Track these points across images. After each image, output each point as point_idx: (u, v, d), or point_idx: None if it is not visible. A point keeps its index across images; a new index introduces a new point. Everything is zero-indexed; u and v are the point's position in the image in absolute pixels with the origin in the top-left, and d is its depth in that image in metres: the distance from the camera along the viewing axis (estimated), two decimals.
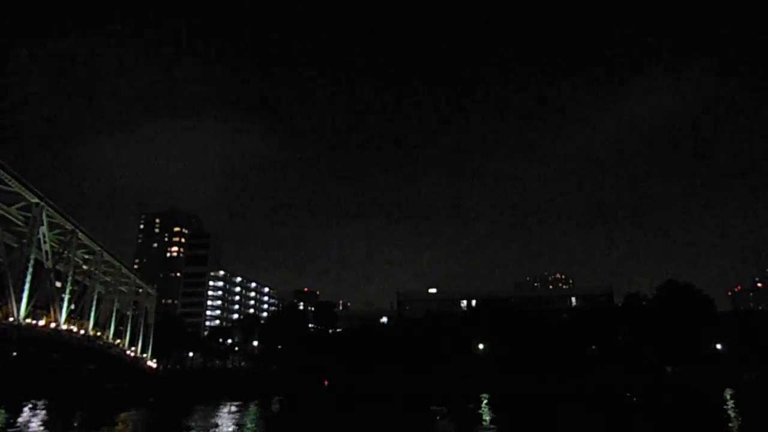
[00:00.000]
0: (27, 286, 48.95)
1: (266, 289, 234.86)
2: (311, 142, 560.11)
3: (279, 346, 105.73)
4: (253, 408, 64.24)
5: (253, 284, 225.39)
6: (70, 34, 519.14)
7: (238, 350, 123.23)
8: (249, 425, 50.60)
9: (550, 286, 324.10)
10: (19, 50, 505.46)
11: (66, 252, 59.50)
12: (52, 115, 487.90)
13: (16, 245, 52.21)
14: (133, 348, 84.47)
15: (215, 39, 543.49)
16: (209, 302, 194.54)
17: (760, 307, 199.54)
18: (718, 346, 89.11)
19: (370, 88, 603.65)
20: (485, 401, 67.28)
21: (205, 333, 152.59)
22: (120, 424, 51.27)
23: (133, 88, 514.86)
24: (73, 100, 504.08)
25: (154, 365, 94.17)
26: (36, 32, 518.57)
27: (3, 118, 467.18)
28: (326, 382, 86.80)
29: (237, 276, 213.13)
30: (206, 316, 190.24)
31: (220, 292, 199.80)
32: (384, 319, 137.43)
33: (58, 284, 58.26)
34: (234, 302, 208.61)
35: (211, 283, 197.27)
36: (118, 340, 78.20)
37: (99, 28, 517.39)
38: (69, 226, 59.53)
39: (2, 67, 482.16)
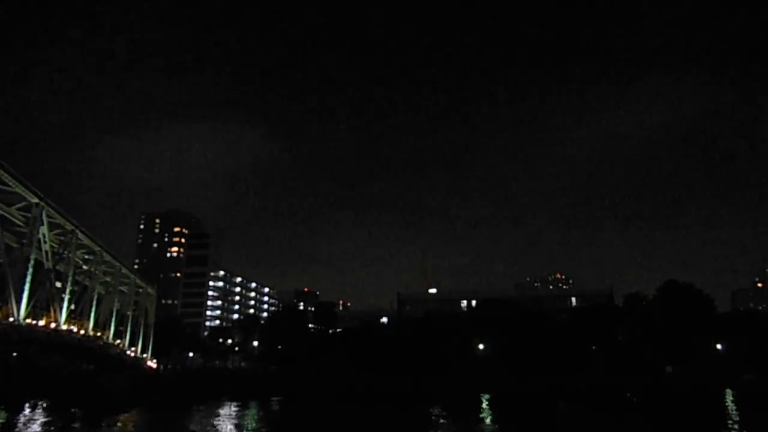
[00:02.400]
0: (27, 286, 48.93)
1: (266, 289, 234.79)
2: (311, 143, 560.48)
3: (279, 346, 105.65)
4: (253, 408, 64.25)
5: (253, 284, 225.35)
6: (79, 40, 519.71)
7: (238, 350, 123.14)
8: (249, 425, 50.62)
9: (550, 286, 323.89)
10: (30, 55, 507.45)
11: (66, 252, 59.49)
12: (58, 117, 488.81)
13: (16, 245, 52.21)
14: (133, 348, 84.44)
15: (218, 44, 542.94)
16: (209, 302, 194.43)
17: (760, 307, 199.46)
18: (718, 346, 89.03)
19: (371, 90, 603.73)
20: (485, 401, 67.29)
21: (205, 333, 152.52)
22: (120, 424, 51.28)
23: (138, 92, 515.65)
24: (80, 103, 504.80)
25: (154, 365, 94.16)
26: (46, 38, 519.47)
27: (12, 119, 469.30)
28: (326, 382, 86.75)
29: (237, 276, 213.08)
30: (206, 316, 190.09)
31: (220, 292, 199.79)
32: (384, 319, 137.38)
33: (58, 284, 58.22)
34: (234, 302, 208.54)
35: (211, 283, 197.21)
36: (118, 340, 78.15)
37: (106, 34, 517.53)
38: (69, 226, 59.51)
39: (13, 70, 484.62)
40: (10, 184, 47.80)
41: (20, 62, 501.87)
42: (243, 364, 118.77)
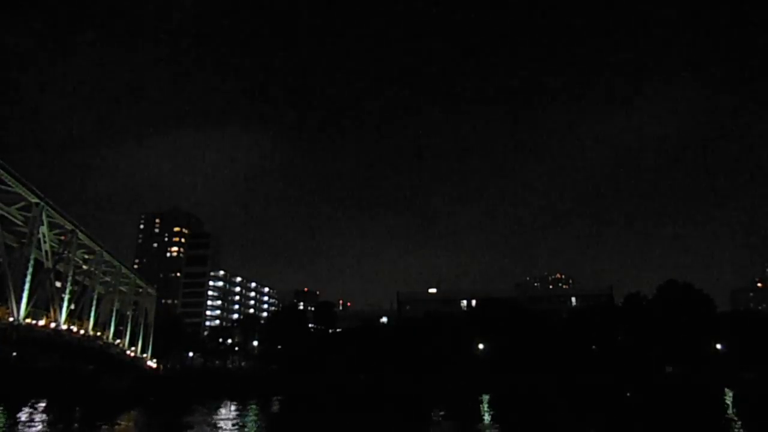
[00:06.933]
0: (27, 286, 48.93)
1: (266, 289, 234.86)
2: (312, 144, 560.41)
3: (279, 346, 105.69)
4: (253, 408, 64.24)
5: (253, 284, 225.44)
6: (93, 46, 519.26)
7: (238, 350, 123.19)
8: (249, 425, 50.61)
9: (550, 286, 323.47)
10: (41, 59, 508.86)
11: (66, 252, 59.49)
12: (67, 120, 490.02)
13: (16, 245, 52.20)
14: (133, 348, 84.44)
15: (225, 50, 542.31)
16: (209, 302, 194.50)
17: (760, 307, 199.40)
18: (718, 346, 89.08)
19: (372, 93, 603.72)
20: (485, 401, 67.31)
21: (205, 333, 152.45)
22: (120, 424, 51.29)
23: (147, 98, 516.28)
24: (90, 107, 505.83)
25: (154, 365, 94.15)
26: (62, 45, 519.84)
27: (22, 122, 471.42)
28: (325, 382, 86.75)
29: (237, 276, 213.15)
30: (206, 316, 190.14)
31: (220, 292, 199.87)
32: (384, 319, 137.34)
33: (58, 284, 58.25)
34: (234, 302, 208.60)
35: (211, 283, 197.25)
36: (118, 340, 78.18)
37: (119, 40, 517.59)
38: (69, 226, 59.52)
39: (25, 74, 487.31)
40: (10, 184, 47.81)
41: (32, 65, 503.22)
42: (243, 364, 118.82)
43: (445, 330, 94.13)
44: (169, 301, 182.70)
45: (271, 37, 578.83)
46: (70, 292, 60.03)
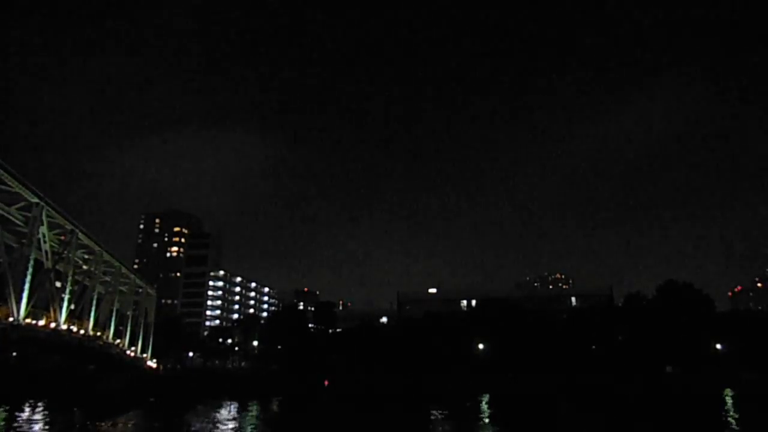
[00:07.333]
0: (27, 286, 48.92)
1: (266, 289, 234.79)
2: (312, 144, 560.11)
3: (279, 346, 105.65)
4: (253, 408, 64.22)
5: (253, 284, 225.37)
6: (94, 46, 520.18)
7: (238, 350, 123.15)
8: (249, 425, 50.59)
9: (550, 286, 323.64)
10: (48, 62, 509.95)
11: (66, 252, 59.47)
12: (70, 125, 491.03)
13: (16, 245, 52.19)
14: (133, 348, 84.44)
15: (228, 53, 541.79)
16: (209, 302, 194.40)
17: (760, 307, 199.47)
18: (718, 346, 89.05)
19: (372, 94, 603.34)
20: (485, 401, 67.28)
21: (205, 333, 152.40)
22: (120, 424, 51.27)
23: (147, 97, 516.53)
24: (95, 109, 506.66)
25: (154, 365, 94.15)
26: (63, 44, 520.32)
27: (26, 122, 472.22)
28: (326, 382, 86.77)
29: (237, 276, 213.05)
30: (206, 316, 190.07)
31: (220, 292, 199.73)
32: (384, 319, 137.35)
33: (58, 284, 58.22)
34: (234, 302, 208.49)
35: (211, 283, 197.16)
36: (118, 340, 78.17)
37: (120, 40, 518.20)
38: (69, 226, 59.51)
39: (31, 77, 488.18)
40: (10, 184, 47.80)
41: (32, 65, 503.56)
42: (243, 364, 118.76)
43: (445, 330, 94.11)
44: (169, 301, 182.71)
45: (270, 39, 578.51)
46: (70, 292, 60.01)
